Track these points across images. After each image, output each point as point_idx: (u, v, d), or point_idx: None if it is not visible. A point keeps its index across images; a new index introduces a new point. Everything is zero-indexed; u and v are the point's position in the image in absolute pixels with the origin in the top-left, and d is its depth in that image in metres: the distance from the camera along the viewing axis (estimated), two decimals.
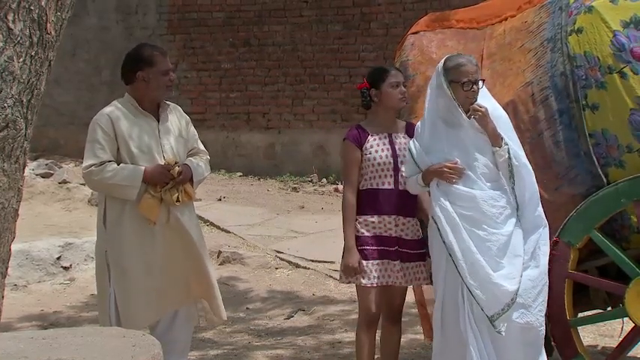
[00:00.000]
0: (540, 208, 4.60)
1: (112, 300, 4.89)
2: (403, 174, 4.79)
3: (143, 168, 4.85)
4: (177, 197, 4.88)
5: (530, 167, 4.60)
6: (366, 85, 4.94)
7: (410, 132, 4.93)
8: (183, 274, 4.95)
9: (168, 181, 4.87)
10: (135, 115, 4.95)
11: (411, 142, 4.75)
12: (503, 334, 4.49)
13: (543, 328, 4.59)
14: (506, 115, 4.67)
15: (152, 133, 4.94)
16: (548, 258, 4.59)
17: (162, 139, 4.96)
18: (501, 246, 4.53)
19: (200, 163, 5.07)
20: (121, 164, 4.86)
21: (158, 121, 4.98)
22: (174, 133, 5.02)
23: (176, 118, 5.08)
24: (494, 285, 4.47)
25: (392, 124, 4.96)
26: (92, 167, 4.85)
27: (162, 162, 4.91)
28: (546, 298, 4.59)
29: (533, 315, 4.56)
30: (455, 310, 4.56)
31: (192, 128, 5.16)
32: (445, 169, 4.56)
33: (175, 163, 4.91)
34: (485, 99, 4.64)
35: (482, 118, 4.55)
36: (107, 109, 4.96)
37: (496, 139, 4.56)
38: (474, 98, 4.60)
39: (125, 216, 4.86)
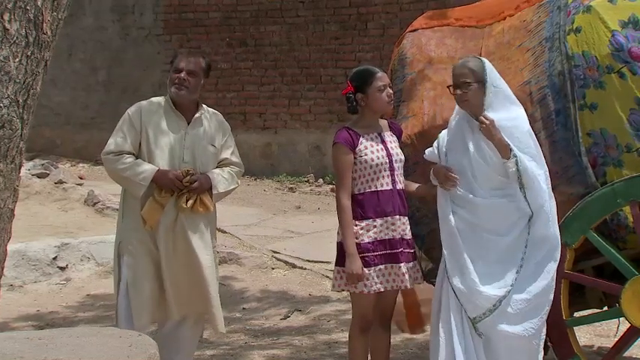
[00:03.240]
0: (552, 223, 4.50)
1: (122, 291, 4.92)
2: (426, 155, 4.76)
3: (156, 168, 4.85)
4: (187, 201, 4.85)
5: (543, 178, 4.51)
6: (351, 89, 4.81)
7: (394, 131, 4.91)
8: (183, 281, 4.92)
9: (176, 189, 4.85)
10: (167, 113, 4.97)
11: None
12: (482, 337, 4.51)
13: (537, 337, 4.54)
14: (524, 123, 4.56)
15: (178, 134, 4.93)
16: (550, 275, 4.50)
17: (187, 142, 4.94)
18: (499, 252, 4.51)
19: (225, 175, 5.02)
20: (138, 159, 4.88)
21: (188, 124, 4.97)
22: (204, 139, 4.99)
23: (212, 126, 5.04)
24: (478, 292, 4.47)
25: (378, 123, 4.89)
26: (110, 155, 4.92)
27: (180, 165, 4.89)
28: (545, 314, 4.52)
29: (522, 326, 4.50)
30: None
31: (231, 140, 5.12)
32: (442, 176, 4.60)
33: (188, 172, 4.86)
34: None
35: (487, 131, 4.52)
36: (143, 102, 5.03)
37: (503, 151, 4.49)
38: (462, 102, 4.58)
39: (139, 210, 4.88)
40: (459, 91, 4.58)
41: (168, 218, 4.87)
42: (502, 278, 4.49)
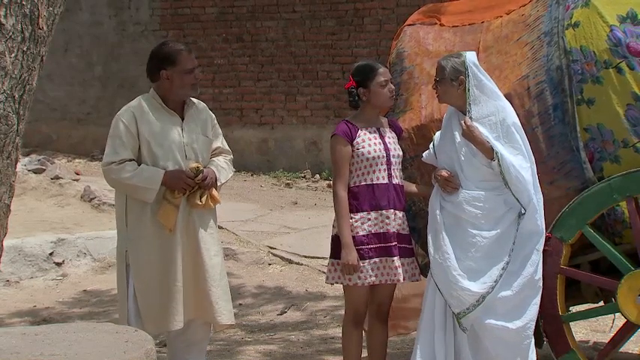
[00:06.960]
0: (539, 217, 4.53)
1: (130, 300, 4.82)
2: (423, 158, 4.79)
3: (163, 171, 4.78)
4: (200, 198, 4.80)
5: (529, 172, 4.51)
6: (354, 84, 4.84)
7: (394, 128, 4.93)
8: (190, 283, 4.85)
9: (187, 187, 4.80)
10: (159, 112, 4.86)
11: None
12: (466, 332, 4.52)
13: (526, 330, 4.53)
14: (509, 116, 4.56)
15: (175, 132, 4.86)
16: (534, 268, 4.52)
17: (186, 139, 4.87)
18: (485, 247, 4.51)
19: (223, 165, 5.00)
20: (142, 165, 4.79)
21: (182, 120, 4.90)
22: (198, 132, 4.93)
23: (201, 117, 4.99)
24: (460, 288, 4.47)
25: (378, 119, 4.91)
26: (112, 165, 4.79)
27: (184, 163, 4.82)
28: (534, 306, 4.52)
29: (509, 319, 4.50)
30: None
31: (217, 127, 5.06)
32: (439, 178, 4.61)
33: (197, 168, 4.81)
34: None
35: (467, 135, 4.53)
36: (132, 105, 4.89)
37: (486, 153, 4.51)
38: (437, 97, 4.70)
39: (146, 216, 4.80)
40: (433, 87, 4.69)
41: (183, 217, 4.82)
42: (487, 274, 4.49)
